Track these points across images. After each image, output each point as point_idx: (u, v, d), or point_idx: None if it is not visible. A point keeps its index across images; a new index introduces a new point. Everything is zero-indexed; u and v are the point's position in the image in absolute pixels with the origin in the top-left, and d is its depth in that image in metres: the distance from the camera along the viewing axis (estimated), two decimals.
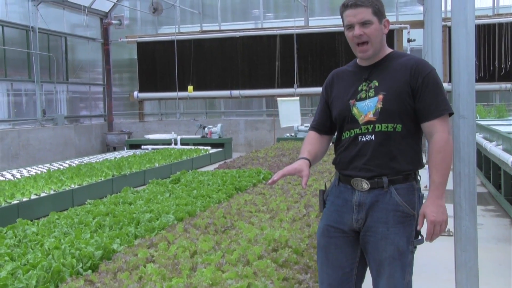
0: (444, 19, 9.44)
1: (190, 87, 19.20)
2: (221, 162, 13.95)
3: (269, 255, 4.67)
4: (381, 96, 2.84)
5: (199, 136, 18.45)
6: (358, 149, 2.89)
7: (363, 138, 2.87)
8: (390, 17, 18.73)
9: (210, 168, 12.94)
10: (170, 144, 17.70)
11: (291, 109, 15.99)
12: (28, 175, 11.12)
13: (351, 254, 2.98)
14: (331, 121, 3.09)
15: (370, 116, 2.85)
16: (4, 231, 6.04)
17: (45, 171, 11.56)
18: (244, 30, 20.07)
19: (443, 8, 7.18)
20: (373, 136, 2.85)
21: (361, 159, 2.88)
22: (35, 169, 12.42)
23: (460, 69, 3.32)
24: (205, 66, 20.27)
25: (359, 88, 2.92)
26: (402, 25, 18.27)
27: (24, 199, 8.27)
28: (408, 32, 17.95)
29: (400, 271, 2.84)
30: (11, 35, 16.74)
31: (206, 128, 18.34)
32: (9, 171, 12.37)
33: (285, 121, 15.99)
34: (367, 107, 2.87)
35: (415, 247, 2.92)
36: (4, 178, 10.59)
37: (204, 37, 20.28)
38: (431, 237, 2.80)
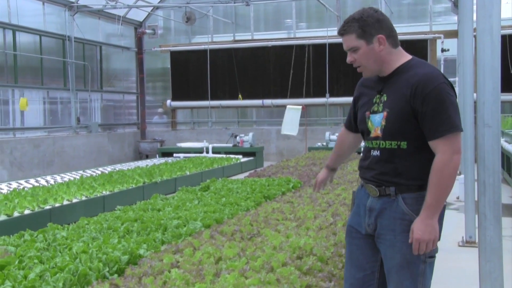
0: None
1: (240, 95, 19.56)
2: (252, 171, 13.98)
3: (293, 263, 4.68)
4: (385, 113, 2.85)
5: (231, 145, 18.52)
6: (369, 162, 2.97)
7: (373, 153, 2.95)
8: (424, 27, 18.66)
9: (241, 176, 12.98)
10: (201, 152, 17.81)
11: (294, 118, 15.99)
12: (61, 181, 11.31)
13: (371, 257, 3.01)
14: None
15: (378, 132, 2.90)
16: (35, 235, 6.16)
17: (78, 177, 11.74)
18: (277, 39, 20.14)
19: (475, 18, 7.11)
20: (379, 152, 2.91)
21: (371, 172, 2.96)
22: (68, 175, 12.62)
23: (485, 77, 3.30)
24: (238, 75, 20.37)
25: (374, 100, 2.95)
26: (436, 35, 18.13)
27: (56, 205, 8.41)
28: (442, 42, 17.80)
29: (410, 281, 2.84)
30: (48, 44, 17.07)
31: (237, 137, 18.40)
32: (43, 177, 12.60)
33: (287, 129, 16.03)
34: (377, 122, 2.91)
35: (432, 257, 2.88)
36: (38, 184, 10.79)
37: (237, 47, 20.41)
38: (417, 252, 2.78)
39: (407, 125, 2.78)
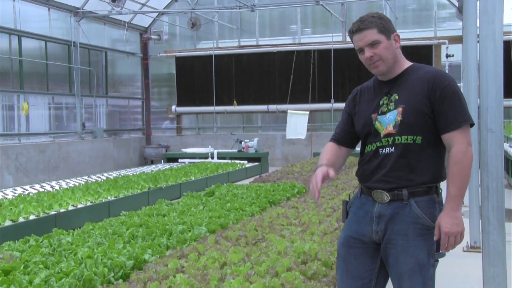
0: None
1: (235, 102, 19.50)
2: (257, 176, 13.99)
3: (298, 267, 4.69)
4: (400, 109, 2.88)
5: (236, 150, 18.53)
6: (379, 162, 2.94)
7: (384, 151, 2.92)
8: (429, 32, 18.67)
9: (246, 182, 12.99)
10: (207, 158, 17.84)
11: (299, 123, 16.06)
12: (66, 186, 11.34)
13: (370, 265, 2.99)
14: (351, 134, 3.13)
15: (390, 129, 2.90)
16: (40, 240, 6.19)
17: (83, 183, 11.77)
18: (282, 45, 20.17)
19: (478, 24, 7.13)
20: (393, 148, 2.89)
21: (381, 171, 2.92)
22: (73, 181, 12.66)
23: (488, 83, 3.32)
24: (243, 81, 20.42)
25: (381, 102, 2.98)
26: (441, 40, 18.14)
27: (62, 210, 8.43)
28: (447, 47, 17.80)
29: (421, 285, 2.85)
30: (53, 50, 17.15)
31: (243, 143, 18.42)
32: (48, 182, 12.63)
33: (292, 133, 16.09)
34: (388, 120, 2.91)
35: (437, 261, 2.92)
36: (43, 190, 10.82)
37: (242, 52, 20.46)
38: (446, 247, 2.80)
39: (423, 119, 2.84)
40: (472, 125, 2.83)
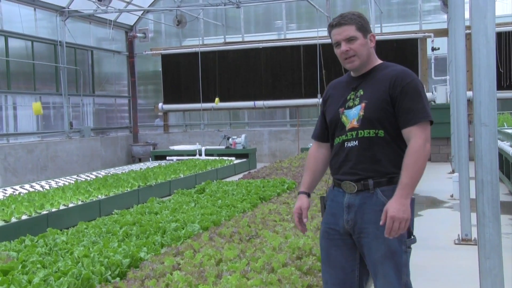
0: (468, 27, 9.42)
1: (217, 99, 19.36)
2: (246, 173, 14.03)
3: (293, 263, 4.74)
4: (363, 104, 3.04)
5: (224, 147, 18.55)
6: (345, 154, 3.09)
7: (349, 144, 3.07)
8: (414, 26, 18.81)
9: (235, 178, 13.02)
10: (194, 155, 17.85)
11: None
12: (56, 186, 11.31)
13: (350, 256, 3.12)
14: (328, 130, 3.27)
15: (354, 123, 3.06)
16: (35, 240, 6.19)
17: (73, 182, 11.75)
18: (267, 41, 20.19)
19: (466, 16, 7.19)
20: (356, 142, 3.05)
21: (348, 163, 3.07)
22: (63, 180, 12.63)
23: (481, 77, 3.35)
24: (229, 77, 20.43)
25: (348, 97, 3.14)
26: (426, 34, 18.25)
27: (53, 210, 8.42)
28: (432, 40, 17.92)
29: (394, 271, 2.95)
30: (39, 49, 17.06)
31: (230, 139, 18.44)
32: (38, 182, 12.59)
33: None
34: (352, 115, 3.07)
35: (409, 247, 3.02)
36: (34, 189, 10.80)
37: (228, 49, 20.45)
38: (389, 232, 2.84)
39: (384, 114, 2.99)
40: (431, 122, 2.98)
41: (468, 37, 10.15)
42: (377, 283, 3.00)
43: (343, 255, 3.11)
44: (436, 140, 17.42)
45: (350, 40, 3.03)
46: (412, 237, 3.02)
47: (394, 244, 2.93)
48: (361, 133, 3.02)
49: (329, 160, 3.28)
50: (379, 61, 3.16)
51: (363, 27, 3.06)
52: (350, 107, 3.09)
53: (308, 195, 3.29)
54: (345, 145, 3.07)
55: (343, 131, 3.09)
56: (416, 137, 2.93)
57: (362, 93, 3.07)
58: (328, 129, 3.25)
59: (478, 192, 3.40)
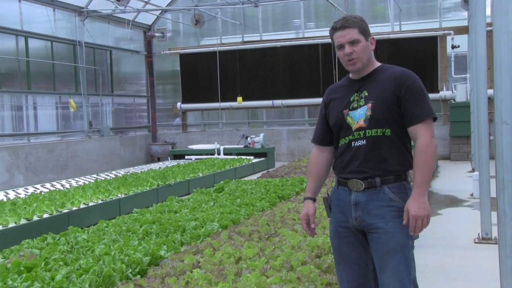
0: (489, 24, 9.36)
1: (239, 98, 19.38)
2: (264, 172, 14.04)
3: (312, 261, 4.74)
4: (370, 105, 3.13)
5: (242, 146, 18.58)
6: (352, 154, 3.17)
7: (356, 143, 3.15)
8: (434, 23, 18.67)
9: (253, 177, 13.04)
10: (213, 154, 17.90)
11: None
12: (76, 185, 11.42)
13: (363, 252, 3.20)
14: (330, 133, 3.35)
15: (361, 123, 3.13)
16: (57, 238, 6.27)
17: (93, 181, 11.85)
18: (285, 40, 20.18)
19: (488, 13, 7.15)
20: (364, 141, 3.13)
21: (355, 162, 3.15)
22: (83, 179, 12.75)
23: (502, 75, 3.35)
24: (247, 77, 20.45)
25: (351, 99, 3.21)
26: (446, 31, 18.10)
27: (74, 208, 8.51)
28: (452, 38, 17.77)
29: (404, 265, 3.03)
30: (59, 50, 17.21)
31: (248, 138, 18.46)
32: (58, 181, 12.73)
33: None
34: (358, 115, 3.15)
35: (413, 243, 3.13)
36: (54, 188, 10.91)
37: (246, 48, 20.47)
38: (414, 230, 2.98)
39: (391, 113, 3.09)
40: (435, 119, 3.09)
41: (489, 34, 10.07)
42: (384, 277, 3.06)
43: (355, 251, 3.20)
44: (456, 138, 17.32)
45: (353, 42, 3.12)
46: (410, 233, 3.07)
47: (403, 238, 3.04)
48: (368, 132, 3.11)
49: (331, 164, 3.41)
50: (378, 63, 3.25)
51: (365, 30, 3.16)
52: (354, 108, 3.16)
53: (314, 200, 3.40)
54: (352, 144, 3.15)
55: (350, 132, 3.16)
56: (423, 134, 3.03)
57: (366, 94, 3.15)
58: (329, 133, 3.34)
59: (499, 191, 3.39)
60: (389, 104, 3.08)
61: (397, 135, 3.11)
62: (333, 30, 3.20)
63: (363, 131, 3.11)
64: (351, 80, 3.27)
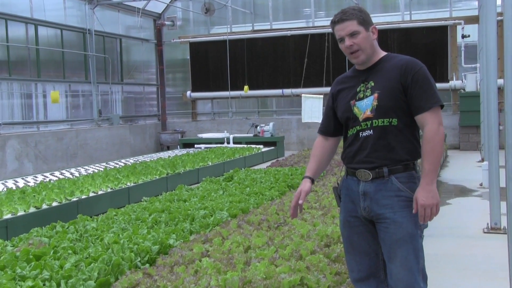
0: (500, 14, 9.29)
1: (246, 87, 19.34)
2: (274, 160, 14.04)
3: (321, 250, 4.75)
4: (376, 95, 3.11)
5: (252, 135, 18.58)
6: (360, 144, 3.16)
7: (364, 134, 3.15)
8: (444, 13, 18.53)
9: (263, 166, 13.05)
10: (222, 143, 17.91)
11: (315, 106, 16.16)
12: (86, 173, 11.46)
13: (372, 241, 3.20)
14: (335, 124, 3.37)
15: (368, 113, 3.13)
16: (66, 226, 6.30)
17: (102, 169, 11.89)
18: (296, 29, 20.11)
19: (498, 3, 7.08)
20: (371, 131, 3.12)
21: (363, 152, 3.15)
22: (92, 167, 12.79)
23: None
24: (257, 65, 20.42)
25: (358, 89, 3.21)
26: (456, 21, 17.99)
27: (83, 197, 8.54)
28: (463, 28, 17.67)
29: (413, 255, 3.03)
30: (69, 38, 17.23)
31: (258, 127, 18.46)
32: (68, 169, 12.77)
33: (308, 117, 16.21)
34: (365, 106, 3.14)
35: (423, 233, 3.11)
36: (63, 177, 10.95)
37: (256, 37, 20.42)
38: (423, 219, 2.97)
39: (398, 102, 3.07)
40: (442, 106, 3.05)
41: (500, 24, 10.00)
42: (393, 267, 3.06)
43: (365, 241, 3.21)
44: (465, 128, 17.25)
45: (353, 34, 3.12)
46: (420, 222, 3.06)
47: (412, 228, 3.03)
48: (375, 122, 3.10)
49: (334, 152, 3.44)
50: (384, 53, 3.23)
51: (365, 20, 3.14)
52: (361, 99, 3.16)
53: (312, 181, 3.37)
54: (360, 134, 3.15)
55: (357, 122, 3.16)
56: (430, 122, 3.01)
57: (373, 84, 3.14)
58: (334, 124, 3.35)
59: (508, 180, 3.38)
60: (395, 93, 3.07)
61: (405, 124, 3.09)
62: (333, 23, 3.20)
63: (370, 121, 3.11)
64: (357, 70, 3.27)
